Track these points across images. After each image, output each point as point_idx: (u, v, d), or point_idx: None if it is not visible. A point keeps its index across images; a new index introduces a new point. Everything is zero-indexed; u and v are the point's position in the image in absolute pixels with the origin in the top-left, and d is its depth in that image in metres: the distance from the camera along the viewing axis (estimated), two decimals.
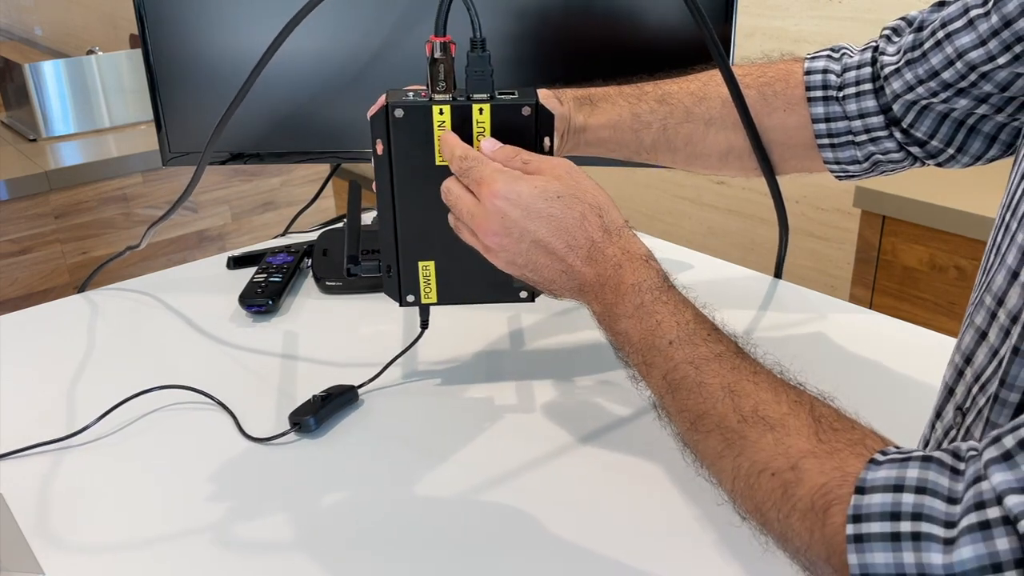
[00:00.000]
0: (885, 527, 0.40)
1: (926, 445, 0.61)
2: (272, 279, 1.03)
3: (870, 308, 1.03)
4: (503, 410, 0.80)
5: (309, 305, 1.02)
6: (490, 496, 0.69)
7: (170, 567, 0.62)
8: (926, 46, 0.68)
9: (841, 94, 0.76)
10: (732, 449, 0.49)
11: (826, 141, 0.78)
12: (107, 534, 0.65)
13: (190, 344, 0.93)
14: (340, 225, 1.23)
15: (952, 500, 0.40)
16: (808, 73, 0.77)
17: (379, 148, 0.68)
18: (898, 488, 0.41)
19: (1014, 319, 0.49)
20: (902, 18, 0.74)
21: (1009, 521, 0.37)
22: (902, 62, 0.71)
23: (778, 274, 1.03)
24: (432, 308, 0.75)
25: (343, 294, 1.04)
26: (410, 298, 0.73)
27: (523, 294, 0.72)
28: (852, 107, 0.75)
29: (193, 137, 1.03)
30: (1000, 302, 0.51)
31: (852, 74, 0.76)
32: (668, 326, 0.55)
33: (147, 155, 2.02)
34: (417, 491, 0.69)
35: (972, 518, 0.38)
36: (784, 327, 0.94)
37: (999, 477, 0.38)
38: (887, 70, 0.73)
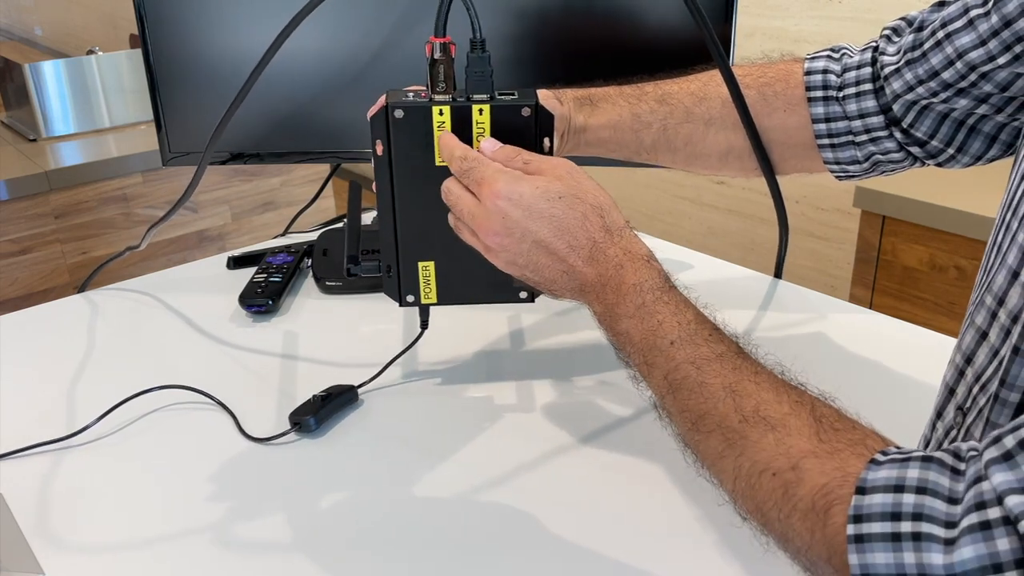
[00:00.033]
0: (886, 527, 0.40)
1: (927, 445, 0.61)
2: (272, 279, 1.03)
3: (870, 308, 1.03)
4: (503, 410, 0.80)
5: (309, 305, 1.02)
6: (490, 496, 0.68)
7: (170, 567, 0.62)
8: (926, 46, 0.68)
9: (841, 94, 0.76)
10: (733, 449, 0.49)
11: (826, 141, 0.78)
12: (107, 534, 0.65)
13: (190, 344, 0.93)
14: (340, 225, 1.23)
15: (953, 500, 0.40)
16: (808, 73, 0.77)
17: (379, 149, 0.68)
18: (899, 488, 0.41)
19: (1015, 319, 0.49)
20: (902, 18, 0.74)
21: (1010, 521, 0.37)
22: (902, 62, 0.71)
23: (778, 274, 1.03)
24: (432, 308, 0.75)
25: (343, 294, 1.04)
26: (410, 298, 0.73)
27: (523, 294, 0.72)
28: (852, 107, 0.75)
29: (193, 137, 1.03)
30: (1001, 302, 0.51)
31: (852, 74, 0.76)
32: (669, 326, 0.55)
33: (147, 155, 2.02)
34: (417, 491, 0.69)
35: (973, 518, 0.38)
36: (784, 327, 0.94)
37: (1000, 477, 0.38)
38: (887, 70, 0.73)
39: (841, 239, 1.92)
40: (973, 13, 0.64)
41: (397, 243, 0.71)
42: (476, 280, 0.72)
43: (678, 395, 0.53)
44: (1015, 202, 0.52)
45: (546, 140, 0.68)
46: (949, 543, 0.38)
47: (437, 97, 0.66)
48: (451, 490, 0.69)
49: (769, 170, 0.82)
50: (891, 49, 0.73)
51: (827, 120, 0.77)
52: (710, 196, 2.17)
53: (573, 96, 0.78)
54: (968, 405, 0.54)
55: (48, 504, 0.68)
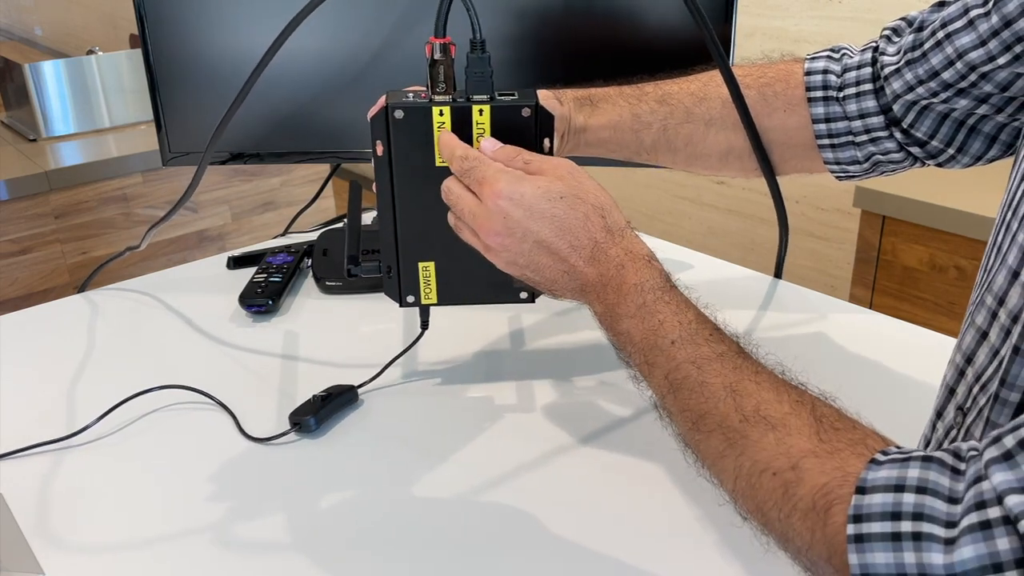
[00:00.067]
0: (886, 527, 0.40)
1: (927, 445, 0.61)
2: (272, 279, 1.03)
3: (870, 308, 1.03)
4: (503, 410, 0.80)
5: (309, 305, 1.02)
6: (490, 496, 0.69)
7: (170, 567, 0.62)
8: (926, 46, 0.68)
9: (841, 94, 0.76)
10: (734, 449, 0.49)
11: (826, 141, 0.78)
12: (107, 534, 0.65)
13: (190, 344, 0.93)
14: (340, 225, 1.23)
15: (953, 500, 0.40)
16: (808, 74, 0.77)
17: (379, 149, 0.68)
18: (899, 488, 0.41)
19: (1015, 319, 0.49)
20: (902, 18, 0.74)
21: (1010, 521, 0.37)
22: (902, 62, 0.71)
23: (778, 274, 1.03)
24: (432, 308, 0.75)
25: (343, 294, 1.04)
26: (410, 299, 0.73)
27: (523, 295, 0.72)
28: (852, 107, 0.75)
29: (193, 137, 1.03)
30: (1001, 302, 0.51)
31: (852, 74, 0.76)
32: (670, 326, 0.55)
33: (147, 155, 2.02)
34: (416, 491, 0.69)
35: (973, 518, 0.38)
36: (784, 327, 0.94)
37: (1000, 477, 0.38)
38: (887, 70, 0.73)
39: (841, 239, 1.92)
40: (973, 13, 0.64)
41: (397, 244, 0.71)
42: (476, 280, 0.72)
43: (679, 395, 0.53)
44: (1015, 202, 0.52)
45: (546, 140, 0.68)
46: (949, 543, 0.38)
47: (437, 98, 0.66)
48: (451, 490, 0.69)
49: (769, 170, 0.82)
50: (891, 49, 0.73)
51: (827, 120, 0.77)
52: (710, 196, 2.17)
53: (573, 96, 0.78)
54: (968, 405, 0.54)
55: (48, 504, 0.68)
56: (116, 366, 0.89)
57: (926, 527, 0.39)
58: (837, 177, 0.80)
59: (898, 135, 0.75)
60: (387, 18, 0.96)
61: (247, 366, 0.89)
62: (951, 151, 0.73)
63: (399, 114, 0.66)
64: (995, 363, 0.51)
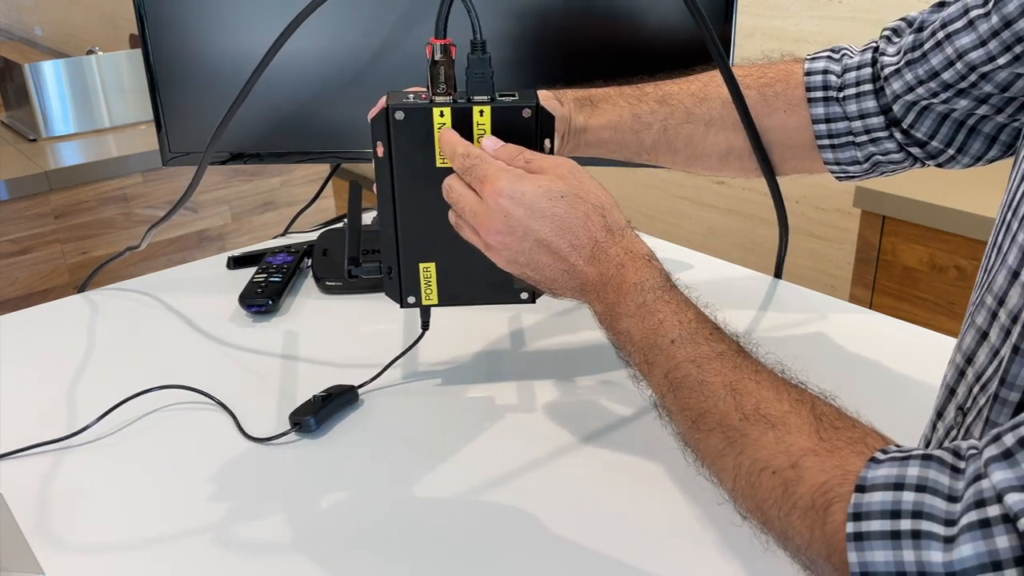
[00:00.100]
0: (885, 525, 0.40)
1: (927, 445, 0.61)
2: (272, 279, 1.03)
3: (870, 308, 1.03)
4: (503, 410, 0.80)
5: (309, 305, 1.02)
6: (490, 496, 0.69)
7: (170, 567, 0.62)
8: (926, 47, 0.68)
9: (841, 95, 0.76)
10: (733, 447, 0.49)
11: (826, 142, 0.78)
12: (107, 534, 0.65)
13: (190, 344, 0.93)
14: (340, 225, 1.23)
15: (952, 498, 0.40)
16: (808, 74, 0.77)
17: (380, 150, 0.68)
18: (898, 486, 0.41)
19: (1015, 319, 0.49)
20: (902, 19, 0.74)
21: (1009, 519, 0.37)
22: (902, 63, 0.71)
23: (778, 274, 1.03)
24: (432, 308, 0.75)
25: (343, 294, 1.04)
26: (411, 299, 0.73)
27: (524, 295, 0.73)
28: (852, 108, 0.75)
29: (193, 137, 1.04)
30: (1001, 302, 0.51)
31: (852, 75, 0.76)
32: (670, 325, 0.55)
33: (147, 155, 2.02)
34: (417, 491, 0.70)
35: (972, 516, 0.38)
36: (784, 327, 0.94)
37: (999, 475, 0.38)
38: (887, 71, 0.73)
39: (841, 239, 1.92)
40: (973, 14, 0.64)
41: (398, 244, 0.71)
42: (477, 281, 0.72)
43: (678, 393, 0.53)
44: (1015, 202, 0.52)
45: (547, 141, 0.68)
46: (948, 541, 0.38)
47: (438, 99, 0.66)
48: (451, 490, 0.69)
49: (769, 170, 0.82)
50: (891, 50, 0.73)
51: (827, 121, 0.77)
52: (710, 196, 2.18)
53: (573, 97, 0.78)
54: (968, 405, 0.54)
55: (48, 504, 0.68)
56: (116, 366, 0.89)
57: (925, 525, 0.39)
58: (837, 177, 0.80)
59: (898, 135, 0.75)
60: (387, 18, 0.96)
61: (247, 366, 0.89)
62: (951, 151, 0.73)
63: (400, 115, 0.66)
64: (995, 363, 0.51)
